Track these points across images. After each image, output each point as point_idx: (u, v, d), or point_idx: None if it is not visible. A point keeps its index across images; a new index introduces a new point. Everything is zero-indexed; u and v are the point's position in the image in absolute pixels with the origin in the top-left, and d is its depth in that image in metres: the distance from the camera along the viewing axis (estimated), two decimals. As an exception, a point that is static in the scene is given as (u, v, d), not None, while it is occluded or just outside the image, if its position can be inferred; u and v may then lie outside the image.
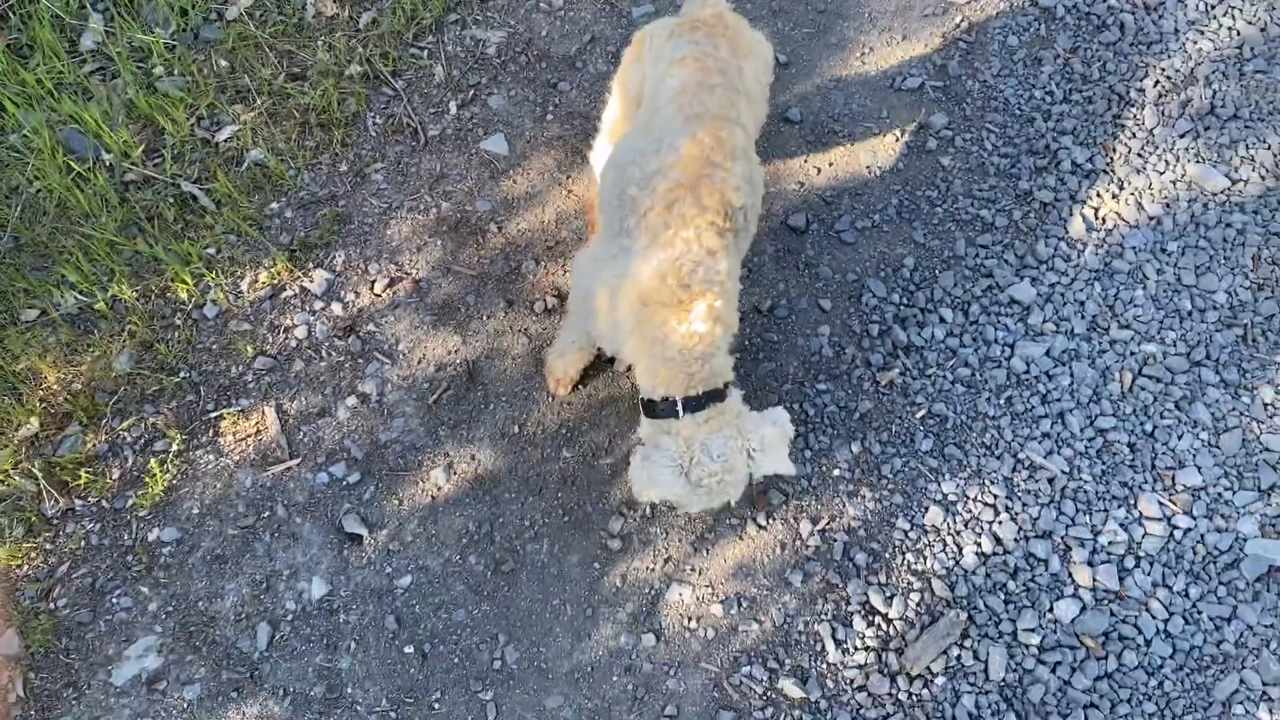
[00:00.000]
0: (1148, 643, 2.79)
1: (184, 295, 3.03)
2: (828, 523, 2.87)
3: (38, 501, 2.77)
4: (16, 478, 2.77)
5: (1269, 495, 2.97)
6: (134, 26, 3.33)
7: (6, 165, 3.15)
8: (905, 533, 2.87)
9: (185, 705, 2.59)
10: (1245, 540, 2.92)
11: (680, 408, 2.34)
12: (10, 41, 3.29)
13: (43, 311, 3.00)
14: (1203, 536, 2.91)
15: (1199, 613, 2.82)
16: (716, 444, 2.32)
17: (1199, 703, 2.71)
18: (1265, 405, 3.08)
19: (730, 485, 2.35)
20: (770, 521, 2.86)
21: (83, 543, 2.75)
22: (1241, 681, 2.75)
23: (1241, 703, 2.72)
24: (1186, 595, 2.83)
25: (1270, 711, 2.71)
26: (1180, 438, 3.03)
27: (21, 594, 2.67)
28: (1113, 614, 2.80)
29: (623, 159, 2.49)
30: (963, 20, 3.63)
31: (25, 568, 2.70)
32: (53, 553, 2.73)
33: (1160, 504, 2.95)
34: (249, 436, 2.89)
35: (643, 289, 2.34)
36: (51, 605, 2.67)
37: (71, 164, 3.12)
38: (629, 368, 2.98)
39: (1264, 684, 2.74)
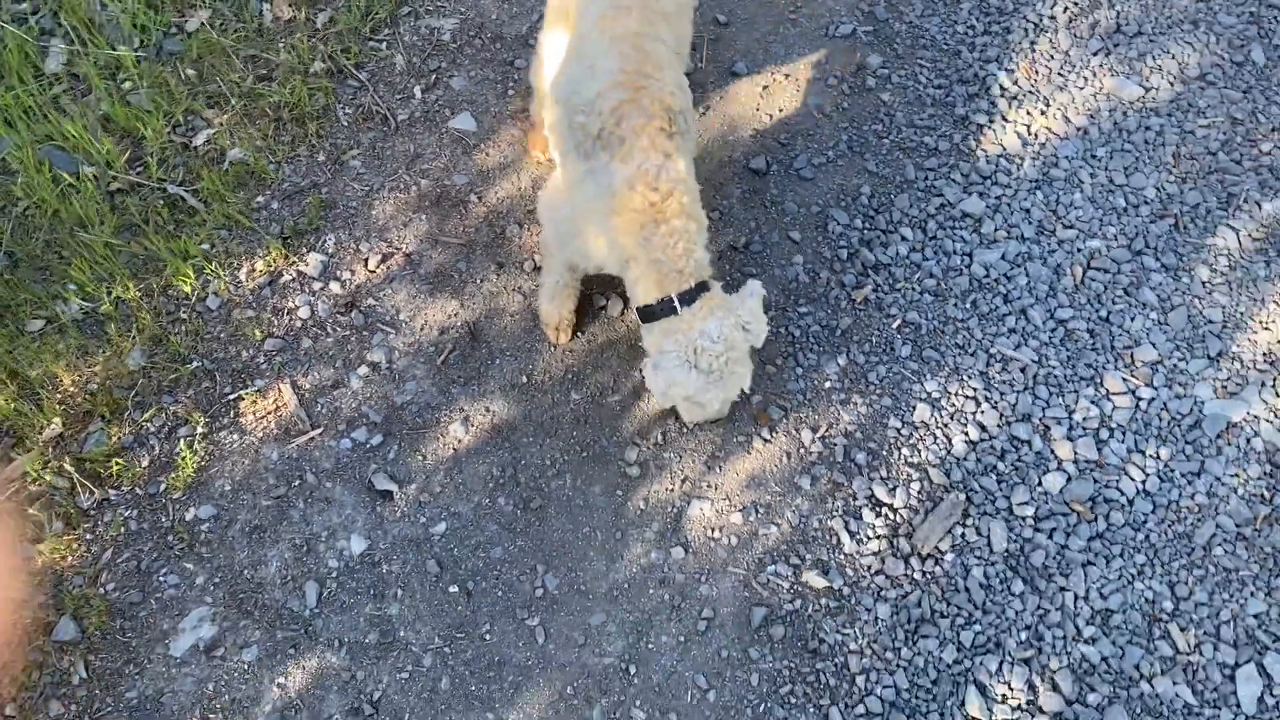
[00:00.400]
0: (1130, 503, 3.03)
1: (186, 289, 3.13)
2: (826, 430, 3.07)
3: (72, 496, 2.84)
4: (47, 476, 2.84)
5: (1217, 361, 3.25)
6: (102, 42, 3.42)
7: (-9, 189, 3.23)
8: (898, 430, 3.08)
9: (245, 667, 2.69)
10: (1203, 403, 3.19)
11: (677, 303, 2.54)
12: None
13: (49, 320, 3.07)
14: (1165, 404, 3.17)
15: (1172, 471, 3.07)
16: (713, 327, 2.53)
17: (1183, 550, 2.96)
18: (1203, 283, 3.36)
19: (738, 365, 2.56)
20: (773, 435, 3.05)
21: (122, 529, 2.83)
22: (1217, 526, 3.00)
23: (1220, 545, 2.97)
24: (1158, 457, 3.09)
25: (1245, 546, 2.96)
26: (1133, 319, 3.29)
27: (70, 584, 2.74)
28: (1096, 481, 3.04)
29: (563, 92, 2.70)
30: (884, -32, 3.89)
31: (70, 559, 2.77)
32: (94, 542, 2.81)
33: (1124, 379, 3.20)
34: (269, 414, 3.00)
35: (620, 205, 2.53)
36: (101, 590, 2.74)
37: (61, 175, 3.20)
38: (622, 311, 3.17)
39: (1236, 526, 3.00)
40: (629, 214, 2.55)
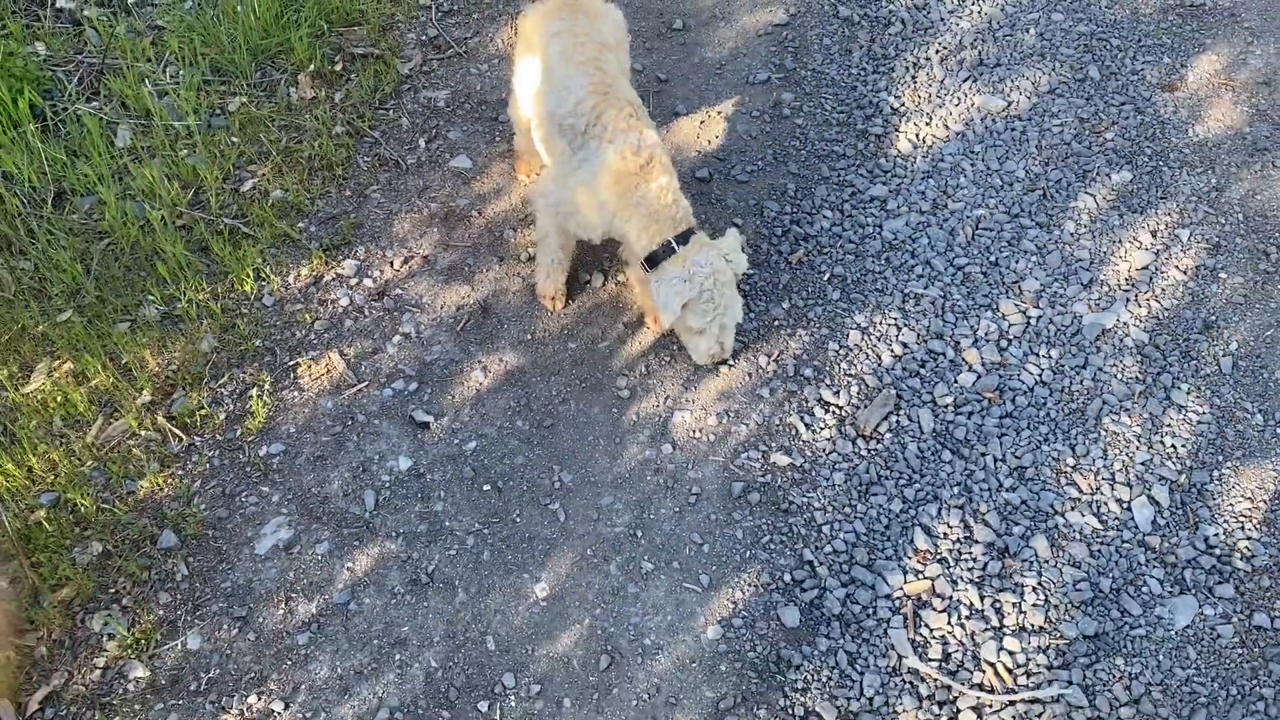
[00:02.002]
0: (1031, 389, 3.74)
1: (248, 288, 3.84)
2: (778, 355, 3.79)
3: (165, 444, 3.46)
4: (143, 432, 3.47)
5: (1089, 286, 4.03)
6: (165, 116, 4.25)
7: (78, 234, 3.96)
8: (836, 351, 3.81)
9: (319, 558, 3.26)
10: (1081, 317, 3.95)
11: (675, 244, 3.30)
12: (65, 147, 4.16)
13: (133, 321, 3.76)
14: (1051, 320, 3.94)
15: (1062, 365, 3.81)
16: (702, 258, 3.29)
17: (1077, 421, 3.66)
18: (1070, 234, 4.19)
19: (726, 288, 3.34)
20: (736, 361, 3.76)
21: (207, 465, 3.44)
22: (1104, 403, 3.71)
23: (1107, 415, 3.67)
24: (1050, 356, 3.82)
25: (1128, 414, 3.67)
26: (1017, 262, 4.09)
27: (169, 507, 3.33)
28: (1000, 376, 3.76)
29: (548, 108, 3.52)
30: (787, 33, 4.87)
31: (166, 490, 3.37)
32: (185, 476, 3.41)
33: (1015, 304, 3.97)
34: (322, 375, 3.67)
35: (614, 172, 3.33)
36: (194, 510, 3.33)
37: (135, 218, 3.95)
38: (604, 283, 3.91)
39: (1119, 400, 3.72)
40: (623, 180, 3.33)
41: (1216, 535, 3.33)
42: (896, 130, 4.49)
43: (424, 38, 4.79)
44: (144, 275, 3.84)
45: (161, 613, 3.11)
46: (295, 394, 3.59)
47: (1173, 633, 3.14)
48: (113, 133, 4.26)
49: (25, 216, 3.94)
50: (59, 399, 3.48)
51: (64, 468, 3.32)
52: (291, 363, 3.66)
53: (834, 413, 3.61)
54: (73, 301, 3.75)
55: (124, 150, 4.21)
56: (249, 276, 3.83)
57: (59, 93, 4.37)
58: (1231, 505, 3.40)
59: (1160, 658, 3.09)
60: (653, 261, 3.37)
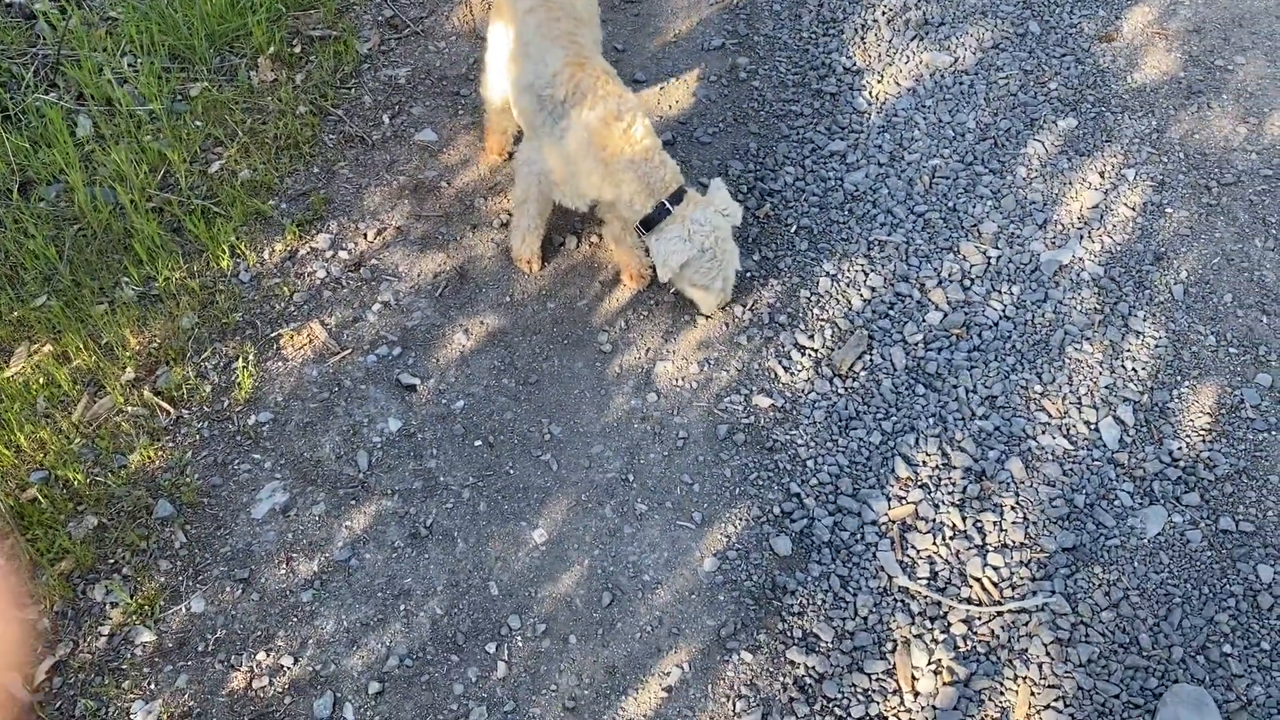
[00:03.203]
0: (996, 324, 3.88)
1: (224, 265, 3.86)
2: (753, 304, 3.89)
3: (153, 418, 3.48)
4: (129, 408, 3.48)
5: (1044, 226, 4.19)
6: (129, 101, 4.25)
7: (48, 221, 3.95)
8: (808, 298, 3.92)
9: (317, 518, 3.30)
10: (1039, 254, 4.10)
11: (668, 204, 3.39)
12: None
13: (111, 302, 3.76)
14: (1010, 259, 4.08)
15: (1024, 300, 3.95)
16: (698, 215, 3.42)
17: (1041, 351, 3.81)
18: (1022, 178, 4.34)
19: (725, 242, 3.46)
20: (711, 314, 3.86)
21: (197, 437, 3.46)
22: (1065, 333, 3.86)
23: (1070, 344, 3.82)
24: (1011, 292, 3.97)
25: (1089, 342, 3.82)
26: (974, 207, 4.24)
27: (161, 478, 3.34)
28: (966, 313, 3.90)
29: (524, 80, 3.57)
30: (738, 1, 4.99)
31: (157, 462, 3.38)
32: (175, 448, 3.43)
33: (975, 246, 4.12)
34: (304, 345, 3.70)
35: (595, 138, 3.40)
36: (187, 480, 3.35)
37: (104, 203, 3.95)
38: (577, 244, 3.99)
39: (1080, 330, 3.87)
40: (611, 146, 3.40)
41: (1180, 449, 3.49)
42: (850, 89, 4.62)
43: (380, 18, 4.84)
44: (118, 258, 3.84)
45: (163, 579, 3.13)
46: (279, 364, 3.62)
47: (1145, 540, 3.29)
48: (74, 122, 4.25)
49: (-8, 206, 3.92)
50: (41, 380, 3.48)
51: (52, 445, 3.32)
52: (273, 334, 3.69)
53: (810, 355, 3.72)
54: (47, 286, 3.75)
55: (87, 138, 4.19)
56: (224, 253, 3.84)
57: (16, 85, 4.34)
58: (1192, 421, 3.56)
59: (1135, 564, 3.23)
60: (648, 224, 3.45)
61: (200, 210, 3.97)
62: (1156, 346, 3.77)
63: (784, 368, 3.69)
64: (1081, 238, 4.11)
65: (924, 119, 4.51)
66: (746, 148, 4.38)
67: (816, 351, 3.74)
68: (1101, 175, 4.31)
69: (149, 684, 2.93)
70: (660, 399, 3.59)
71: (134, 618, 3.03)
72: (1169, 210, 4.19)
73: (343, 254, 3.94)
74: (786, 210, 4.17)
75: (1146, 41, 4.80)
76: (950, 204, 4.22)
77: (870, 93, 4.60)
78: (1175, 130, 4.45)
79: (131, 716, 2.87)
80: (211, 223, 3.95)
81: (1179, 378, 3.68)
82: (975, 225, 4.15)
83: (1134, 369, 3.70)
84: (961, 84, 4.66)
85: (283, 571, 3.15)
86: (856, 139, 4.44)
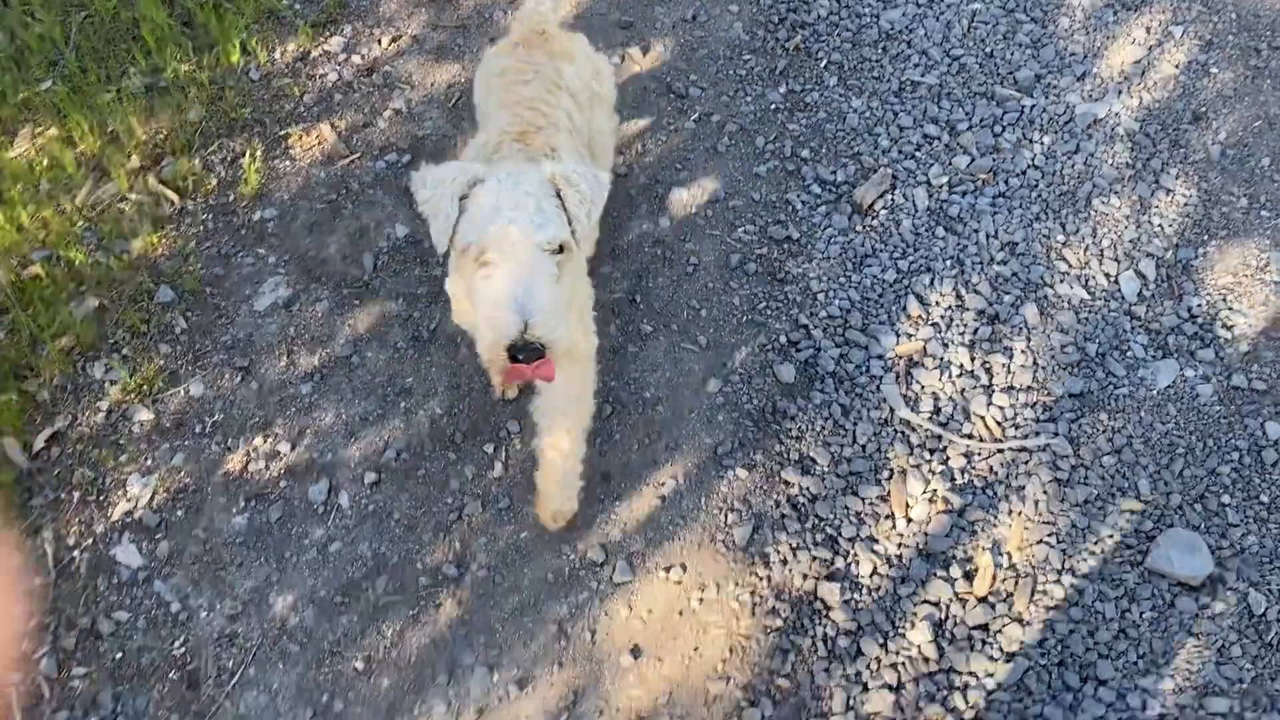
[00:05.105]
0: (1024, 172, 3.76)
1: (234, 60, 3.75)
2: (775, 137, 3.77)
3: (157, 206, 3.41)
4: (133, 195, 3.41)
5: (1082, 78, 4.03)
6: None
7: (53, 8, 3.82)
8: (834, 133, 3.80)
9: (319, 315, 3.26)
10: (1074, 106, 3.96)
11: None
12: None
13: (118, 90, 3.66)
14: (1044, 109, 3.94)
15: (1054, 150, 3.82)
16: None
17: (1067, 202, 3.70)
18: (1064, 29, 4.16)
19: None
20: (733, 141, 3.74)
21: (202, 227, 3.40)
22: (1094, 185, 3.74)
23: (1097, 197, 3.71)
24: (1042, 142, 3.84)
25: (1117, 196, 3.71)
26: (1012, 54, 4.07)
27: (164, 265, 3.30)
28: (994, 160, 3.78)
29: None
30: None
31: (160, 250, 3.33)
32: (179, 238, 3.37)
33: (1010, 93, 3.97)
34: (313, 147, 3.61)
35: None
36: (190, 269, 3.30)
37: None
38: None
39: (1109, 184, 3.75)
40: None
41: (1199, 305, 3.41)
42: (893, -75, 4.40)
43: None
44: (126, 46, 3.73)
45: (162, 362, 3.11)
46: (287, 163, 3.54)
47: (1154, 392, 3.24)
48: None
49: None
50: (45, 162, 3.41)
51: (55, 226, 3.28)
52: (282, 133, 3.60)
53: (831, 190, 3.63)
54: (53, 71, 3.65)
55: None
56: (235, 48, 3.73)
57: None
58: (1215, 280, 3.48)
59: (1142, 414, 3.19)
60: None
61: (211, 3, 3.83)
62: (1186, 205, 3.66)
63: (802, 201, 3.60)
64: (1120, 93, 3.96)
65: (967, -38, 4.31)
66: (780, -21, 4.19)
67: (838, 187, 3.64)
68: (1147, 31, 4.13)
69: (146, 459, 2.94)
70: (673, 224, 3.51)
71: (132, 396, 3.02)
72: (1213, 70, 4.03)
73: (356, 58, 3.82)
74: (818, 44, 4.02)
75: (1209, -105, 4.55)
76: (988, 49, 4.06)
77: (914, -70, 4.38)
78: (1229, -11, 4.25)
79: (128, 488, 2.88)
80: (222, 17, 3.82)
81: (1206, 237, 3.58)
82: (1012, 73, 4.00)
83: (1160, 225, 3.61)
84: (1010, -72, 4.43)
85: (283, 363, 3.13)
86: (896, -22, 4.25)
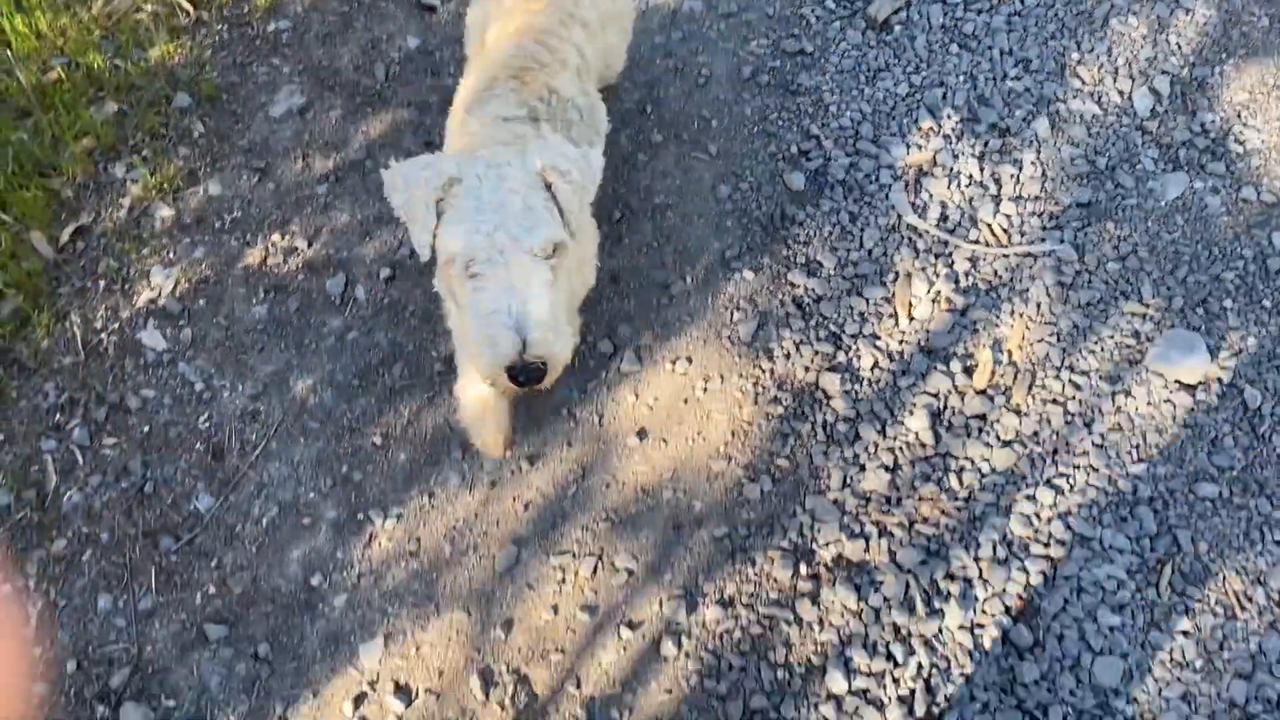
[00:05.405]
0: (1041, -9, 3.71)
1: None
2: (790, -47, 3.72)
3: (172, 16, 3.43)
4: (149, 5, 3.43)
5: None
6: None
7: None
8: (849, -49, 3.74)
9: (333, 122, 3.30)
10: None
11: None
12: None
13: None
14: None
15: (1073, -29, 3.75)
16: None
17: (1084, 21, 3.64)
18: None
19: None
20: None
21: (217, 38, 3.43)
22: (1112, 5, 3.68)
23: (1115, 17, 3.65)
24: (1062, -38, 3.76)
25: (1135, 16, 3.65)
26: None
27: (180, 72, 3.33)
28: (1012, -21, 3.71)
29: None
30: None
31: (176, 58, 3.36)
32: (195, 47, 3.40)
33: None
34: (326, -39, 3.60)
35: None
36: (206, 76, 3.34)
37: None
38: None
39: (1127, 3, 3.69)
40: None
41: (1213, 121, 3.40)
42: None
43: None
44: None
45: (181, 164, 3.18)
46: (299, -20, 3.54)
47: (1162, 203, 3.25)
48: None
49: None
50: (60, -29, 3.43)
51: (73, 34, 3.31)
52: (294, -51, 3.59)
53: (845, 6, 3.60)
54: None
55: None
56: None
57: None
58: (1230, 97, 3.45)
59: (1149, 224, 3.21)
60: None
61: None
62: (1205, 24, 3.61)
63: (816, 16, 3.58)
64: (1145, -86, 3.87)
65: None
66: None
67: (852, 2, 3.61)
68: None
69: (168, 252, 3.03)
70: (685, 37, 3.51)
71: (153, 194, 3.10)
72: (1243, -110, 3.92)
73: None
74: None
75: None
76: None
77: None
78: None
79: (151, 278, 2.97)
80: None
81: (1224, 55, 3.55)
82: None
83: (1178, 44, 3.57)
84: None
85: (299, 166, 3.18)
86: None
